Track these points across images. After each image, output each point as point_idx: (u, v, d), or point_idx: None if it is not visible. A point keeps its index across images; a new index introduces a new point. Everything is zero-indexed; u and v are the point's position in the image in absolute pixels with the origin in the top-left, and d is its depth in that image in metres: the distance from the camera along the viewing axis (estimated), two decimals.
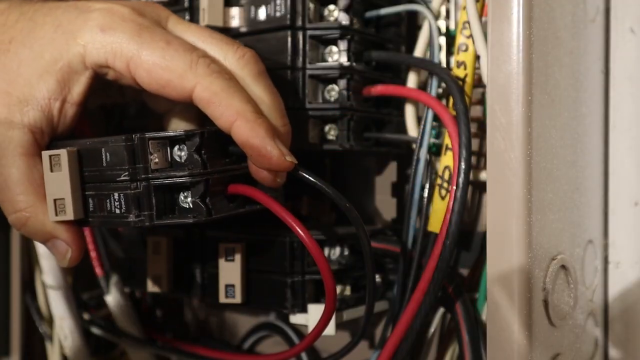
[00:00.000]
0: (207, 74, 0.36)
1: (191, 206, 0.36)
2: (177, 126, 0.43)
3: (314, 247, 0.36)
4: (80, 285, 0.58)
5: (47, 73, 0.37)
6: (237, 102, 0.36)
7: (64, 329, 0.55)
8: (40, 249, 0.56)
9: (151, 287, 0.47)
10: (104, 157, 0.36)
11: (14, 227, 0.38)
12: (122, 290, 0.54)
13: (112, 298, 0.54)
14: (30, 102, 0.37)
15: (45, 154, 0.36)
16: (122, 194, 0.35)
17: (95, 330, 0.56)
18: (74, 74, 0.37)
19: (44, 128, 0.37)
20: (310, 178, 0.37)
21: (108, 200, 0.36)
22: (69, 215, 0.36)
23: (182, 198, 0.37)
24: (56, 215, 0.36)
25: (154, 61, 0.36)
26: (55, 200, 0.36)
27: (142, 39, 0.36)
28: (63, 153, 0.36)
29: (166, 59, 0.36)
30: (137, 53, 0.36)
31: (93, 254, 0.54)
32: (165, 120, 0.43)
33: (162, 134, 0.36)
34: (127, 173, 0.35)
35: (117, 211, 0.36)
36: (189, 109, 0.41)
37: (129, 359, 0.56)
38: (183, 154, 0.36)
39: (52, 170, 0.36)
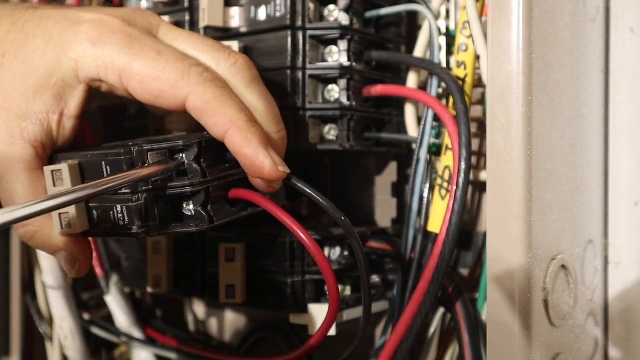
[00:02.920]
0: (200, 83, 0.36)
1: (193, 214, 0.36)
2: (178, 128, 0.43)
3: (316, 250, 0.36)
4: (80, 285, 0.58)
5: (42, 88, 0.37)
6: (230, 110, 0.36)
7: (64, 329, 0.55)
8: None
9: (151, 287, 0.47)
10: (104, 169, 0.36)
11: (22, 240, 0.39)
12: (122, 290, 0.54)
13: (112, 298, 0.54)
14: (28, 117, 0.37)
15: (47, 169, 0.36)
16: (124, 206, 0.36)
17: (95, 330, 0.56)
18: (69, 87, 0.37)
19: (45, 142, 0.37)
20: (304, 188, 0.37)
21: (112, 212, 0.36)
22: (74, 228, 0.36)
23: (184, 207, 0.37)
24: (62, 228, 0.36)
25: (146, 72, 0.36)
26: (60, 214, 0.36)
27: (133, 50, 0.36)
28: (64, 168, 0.36)
29: (158, 70, 0.36)
30: (129, 65, 0.36)
31: (93, 254, 0.54)
32: (165, 123, 0.43)
33: (160, 144, 0.36)
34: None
35: (121, 223, 0.36)
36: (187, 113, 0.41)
37: (129, 359, 0.56)
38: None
39: (54, 185, 0.36)
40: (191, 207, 0.36)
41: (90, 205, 0.37)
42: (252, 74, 0.39)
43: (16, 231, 0.38)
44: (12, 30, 0.38)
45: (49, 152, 0.38)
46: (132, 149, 0.35)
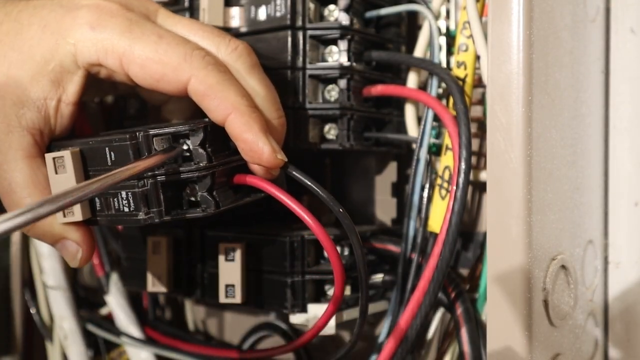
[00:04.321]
0: (203, 66, 0.36)
1: (199, 200, 0.36)
2: (175, 117, 0.42)
3: (321, 232, 0.36)
4: (80, 285, 0.58)
5: (39, 74, 0.36)
6: (232, 95, 0.36)
7: (64, 329, 0.55)
8: (40, 249, 0.56)
9: (151, 287, 0.47)
10: (108, 156, 0.35)
11: (21, 230, 0.38)
12: (122, 290, 0.54)
13: (112, 298, 0.54)
14: (25, 103, 0.36)
15: (49, 156, 0.36)
16: (129, 193, 0.35)
17: (95, 330, 0.56)
18: (67, 73, 0.37)
19: (42, 129, 0.37)
20: (302, 178, 0.37)
21: (115, 199, 0.36)
22: (77, 216, 0.36)
23: (190, 192, 0.37)
24: (64, 217, 0.36)
25: (147, 55, 0.36)
26: None
27: (133, 34, 0.36)
28: (67, 154, 0.35)
29: (159, 53, 0.36)
30: (130, 48, 0.36)
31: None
32: (162, 112, 0.43)
33: (165, 129, 0.36)
34: None
35: (126, 209, 0.36)
36: (184, 99, 0.41)
37: (128, 358, 0.56)
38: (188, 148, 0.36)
39: (56, 172, 0.36)
40: (197, 192, 0.36)
41: None
42: (253, 60, 0.39)
43: None
44: (5, 20, 0.37)
45: (47, 140, 0.38)
46: (137, 134, 0.35)
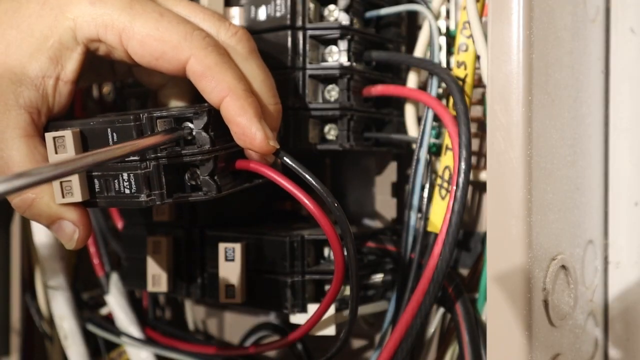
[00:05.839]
0: (202, 47, 0.36)
1: (201, 183, 0.36)
2: (171, 102, 0.42)
3: (322, 217, 0.36)
4: (80, 285, 0.58)
5: (38, 51, 0.36)
6: (229, 77, 0.36)
7: (64, 329, 0.55)
8: (41, 249, 0.56)
9: (151, 287, 0.47)
10: (110, 137, 0.35)
11: (17, 210, 0.37)
12: (122, 290, 0.54)
13: (112, 298, 0.54)
14: (23, 82, 0.36)
15: (49, 135, 0.35)
16: (131, 174, 0.35)
17: (95, 330, 0.56)
18: (66, 50, 0.37)
19: (40, 107, 0.37)
20: (295, 167, 0.37)
21: (116, 181, 0.36)
22: (77, 197, 0.36)
23: (191, 176, 0.37)
24: (63, 197, 0.36)
25: (148, 32, 0.36)
26: (61, 182, 0.36)
27: (134, 10, 0.36)
28: (68, 134, 0.35)
29: (160, 30, 0.36)
30: (130, 25, 0.36)
31: (94, 258, 0.54)
32: (159, 96, 0.43)
33: (169, 111, 0.36)
34: None
35: (127, 191, 0.35)
36: (182, 83, 0.41)
37: (129, 359, 0.56)
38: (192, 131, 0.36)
39: (56, 152, 0.35)
40: (199, 176, 0.36)
41: (93, 173, 0.36)
42: (252, 45, 0.39)
43: (12, 201, 0.37)
44: (3, 0, 0.37)
45: (45, 119, 0.37)
46: (141, 115, 0.35)
